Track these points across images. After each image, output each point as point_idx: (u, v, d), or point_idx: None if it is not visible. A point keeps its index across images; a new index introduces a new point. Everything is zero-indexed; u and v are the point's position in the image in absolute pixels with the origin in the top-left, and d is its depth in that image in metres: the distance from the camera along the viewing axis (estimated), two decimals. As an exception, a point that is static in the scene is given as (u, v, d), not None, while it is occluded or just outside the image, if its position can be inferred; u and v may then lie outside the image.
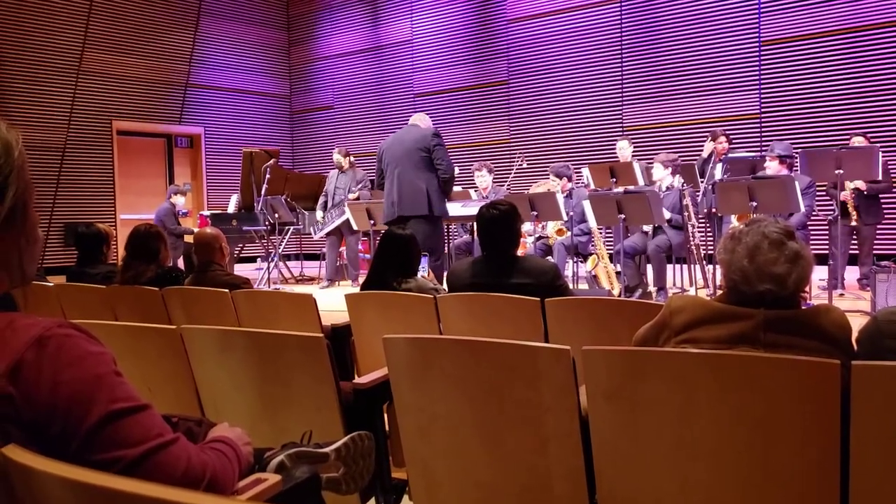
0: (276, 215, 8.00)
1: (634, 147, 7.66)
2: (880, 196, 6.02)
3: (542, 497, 1.62)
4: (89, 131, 9.98)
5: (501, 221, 2.98)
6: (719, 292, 1.81)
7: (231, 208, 9.22)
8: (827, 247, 5.30)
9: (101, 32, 10.02)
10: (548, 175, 6.97)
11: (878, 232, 6.15)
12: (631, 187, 6.20)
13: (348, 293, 3.20)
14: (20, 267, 1.04)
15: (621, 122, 9.21)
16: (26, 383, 0.93)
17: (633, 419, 1.49)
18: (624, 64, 9.18)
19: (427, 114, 5.82)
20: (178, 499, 0.77)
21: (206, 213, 8.98)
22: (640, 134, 8.89)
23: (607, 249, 6.35)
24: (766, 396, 1.37)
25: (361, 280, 4.29)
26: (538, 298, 2.64)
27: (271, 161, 8.50)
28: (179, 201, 8.45)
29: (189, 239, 7.67)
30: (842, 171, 5.08)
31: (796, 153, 5.92)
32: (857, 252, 6.12)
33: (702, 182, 6.23)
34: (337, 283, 7.89)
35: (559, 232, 6.49)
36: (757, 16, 8.30)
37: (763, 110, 8.29)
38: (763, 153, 6.63)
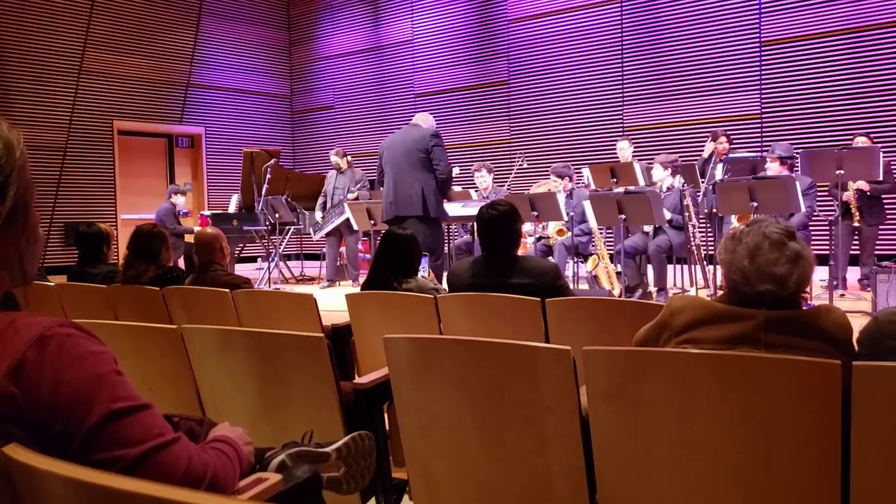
0: (277, 215, 8.01)
1: (635, 147, 7.66)
2: (883, 197, 6.02)
3: (543, 497, 1.62)
4: (90, 131, 9.99)
5: (501, 222, 2.98)
6: (720, 293, 1.81)
7: (232, 208, 9.23)
8: (828, 247, 5.29)
9: (103, 33, 10.03)
10: (548, 175, 6.97)
11: (879, 232, 6.15)
12: (631, 188, 6.20)
13: (349, 293, 3.20)
14: (21, 266, 1.05)
15: (622, 122, 9.21)
16: (28, 383, 0.93)
17: (634, 419, 1.49)
18: (625, 64, 9.18)
19: (428, 114, 5.81)
20: (180, 498, 0.77)
21: (207, 212, 8.98)
22: (640, 134, 8.89)
23: (608, 250, 6.34)
24: (766, 397, 1.37)
25: (362, 280, 4.30)
26: (538, 298, 2.64)
27: (272, 161, 8.50)
28: (179, 201, 8.45)
29: (190, 239, 7.67)
30: (842, 172, 5.08)
31: (797, 154, 5.92)
32: (858, 252, 6.13)
33: (702, 182, 6.23)
34: (337, 283, 7.89)
35: (560, 232, 6.49)
36: (758, 16, 8.29)
37: (764, 110, 8.29)
38: (764, 153, 6.63)
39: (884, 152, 5.14)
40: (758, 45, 8.29)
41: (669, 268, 6.03)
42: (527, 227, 6.30)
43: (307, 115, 12.31)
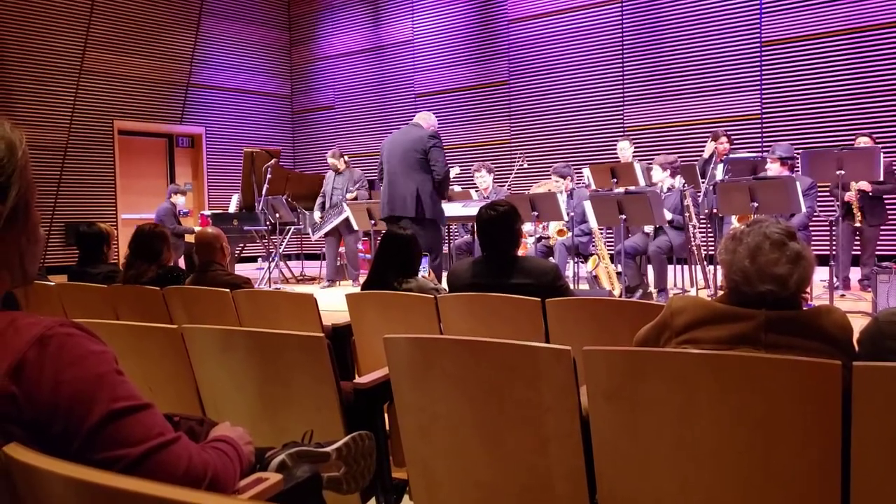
0: (277, 215, 8.01)
1: (636, 147, 7.66)
2: (884, 197, 6.02)
3: (543, 497, 1.62)
4: (91, 131, 10.00)
5: (500, 222, 2.98)
6: (720, 293, 1.81)
7: (232, 208, 9.23)
8: (828, 248, 5.29)
9: (103, 33, 10.04)
10: (548, 175, 6.97)
11: (880, 233, 6.15)
12: (632, 188, 6.20)
13: (349, 293, 3.20)
14: (22, 266, 1.05)
15: (622, 122, 9.21)
16: (28, 382, 0.93)
17: (634, 419, 1.49)
18: (625, 64, 9.18)
19: (430, 113, 5.79)
20: (180, 497, 0.77)
21: (208, 212, 8.99)
22: (641, 134, 8.89)
23: (608, 250, 6.34)
24: (766, 397, 1.37)
25: (362, 280, 4.30)
26: (539, 298, 2.64)
27: (272, 161, 8.50)
28: (179, 201, 8.45)
29: (190, 238, 7.67)
30: (843, 172, 5.08)
31: (797, 154, 5.92)
32: (859, 253, 6.13)
33: (703, 182, 6.23)
34: (337, 283, 7.89)
35: (560, 232, 6.49)
36: (758, 16, 8.29)
37: (764, 110, 8.29)
38: (764, 154, 6.62)
39: (885, 153, 5.14)
40: (758, 45, 8.29)
41: (670, 268, 6.03)
42: (527, 227, 6.31)
43: (308, 114, 12.32)
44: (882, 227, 6.12)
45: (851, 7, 7.75)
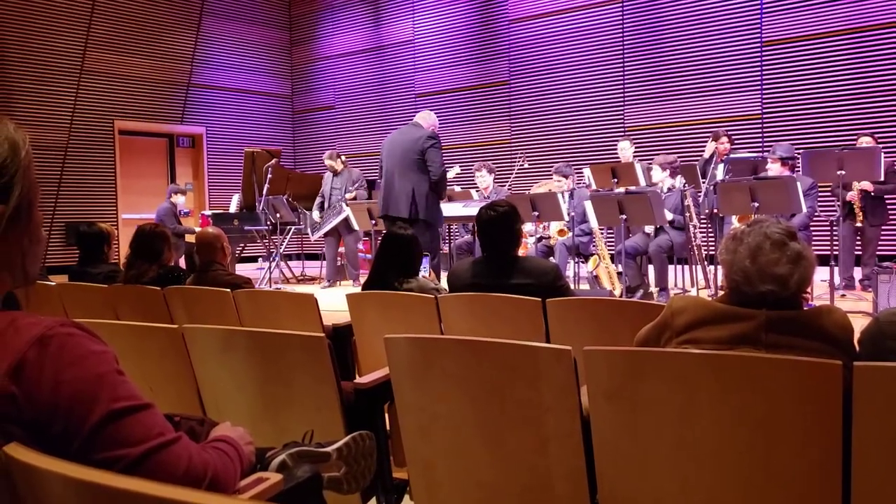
0: (278, 215, 8.01)
1: (636, 147, 7.66)
2: (885, 197, 6.02)
3: (543, 497, 1.62)
4: (92, 131, 10.00)
5: (500, 222, 2.98)
6: (721, 293, 1.81)
7: (233, 208, 9.23)
8: (829, 248, 5.29)
9: (104, 33, 10.04)
10: (549, 175, 6.96)
11: (881, 233, 6.15)
12: (632, 188, 6.20)
13: (349, 293, 3.20)
14: (23, 267, 1.05)
15: (623, 122, 9.21)
16: (28, 382, 0.93)
17: (634, 419, 1.49)
18: (626, 64, 9.18)
19: (431, 112, 5.78)
20: (180, 497, 0.77)
21: (208, 212, 8.99)
22: (641, 134, 8.89)
23: (609, 250, 6.34)
24: (767, 397, 1.37)
25: (362, 280, 4.30)
26: (539, 298, 2.64)
27: (273, 161, 8.50)
28: (180, 200, 8.45)
29: (190, 238, 7.67)
30: (843, 172, 5.08)
31: (798, 154, 5.92)
32: (860, 253, 6.13)
33: (703, 182, 6.23)
34: (338, 283, 7.89)
35: (561, 232, 6.49)
36: (759, 15, 8.29)
37: (765, 110, 8.28)
38: (765, 154, 6.62)
39: (886, 153, 5.13)
40: (759, 45, 8.29)
41: (670, 268, 6.03)
42: (528, 227, 6.31)
43: (308, 114, 12.32)
44: (883, 227, 6.12)
45: (852, 7, 7.75)
